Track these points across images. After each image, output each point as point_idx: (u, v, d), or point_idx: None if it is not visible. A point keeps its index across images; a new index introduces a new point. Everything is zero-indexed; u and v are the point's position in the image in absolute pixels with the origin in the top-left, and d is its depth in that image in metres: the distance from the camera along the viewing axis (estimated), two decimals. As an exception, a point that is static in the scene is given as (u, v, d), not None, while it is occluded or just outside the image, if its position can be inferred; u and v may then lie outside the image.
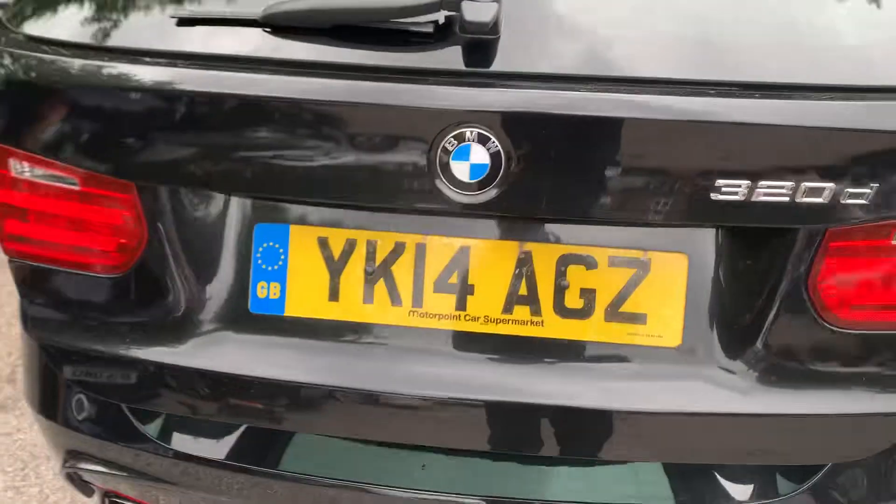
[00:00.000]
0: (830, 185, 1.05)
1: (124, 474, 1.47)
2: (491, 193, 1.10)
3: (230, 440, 1.41)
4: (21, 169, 1.24)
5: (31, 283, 1.34)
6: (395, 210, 1.22)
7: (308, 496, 1.39)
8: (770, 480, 1.35)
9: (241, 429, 1.41)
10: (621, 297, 1.21)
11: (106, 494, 1.60)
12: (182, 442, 1.40)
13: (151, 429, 1.41)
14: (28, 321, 1.38)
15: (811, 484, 1.32)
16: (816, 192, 1.05)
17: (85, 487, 1.62)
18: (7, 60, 1.21)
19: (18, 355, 2.68)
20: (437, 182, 1.10)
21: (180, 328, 1.28)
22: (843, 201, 1.06)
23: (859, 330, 1.18)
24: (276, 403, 1.27)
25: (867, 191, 1.06)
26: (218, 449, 1.39)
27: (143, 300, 1.29)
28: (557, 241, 1.21)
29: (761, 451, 1.26)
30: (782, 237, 1.14)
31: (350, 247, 1.24)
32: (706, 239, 1.20)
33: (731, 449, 1.25)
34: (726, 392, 1.21)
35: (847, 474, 1.34)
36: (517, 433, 1.24)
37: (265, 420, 1.30)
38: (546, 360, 1.23)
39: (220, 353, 1.27)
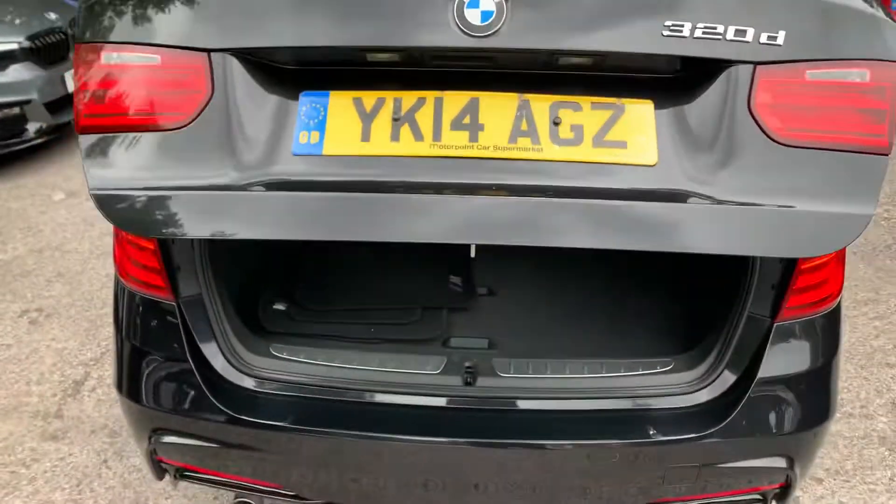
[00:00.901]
0: (750, 28, 1.42)
1: (201, 443, 1.85)
2: (495, 37, 1.42)
3: (289, 410, 1.82)
4: (110, 58, 1.52)
5: (100, 148, 1.54)
6: (417, 69, 1.55)
7: (368, 452, 1.78)
8: (695, 420, 1.80)
9: (299, 401, 1.83)
10: (604, 130, 1.53)
11: (178, 470, 1.98)
12: (249, 411, 1.80)
13: (224, 402, 1.80)
14: (95, 181, 1.53)
15: (729, 420, 1.76)
16: (741, 33, 1.42)
17: (158, 469, 1.99)
18: None
19: (63, 396, 3.05)
20: (455, 26, 1.41)
21: (230, 167, 1.53)
22: (761, 42, 1.42)
23: (796, 145, 1.46)
24: (311, 215, 1.51)
25: (778, 35, 1.42)
26: (280, 416, 1.80)
27: (201, 147, 1.53)
28: (549, 91, 1.55)
29: (727, 240, 1.48)
30: (725, 77, 1.47)
31: (380, 103, 1.55)
32: (666, 85, 1.55)
33: (703, 237, 1.47)
34: (698, 193, 1.49)
35: (756, 411, 1.78)
36: (526, 223, 1.47)
37: (304, 229, 1.52)
38: (547, 172, 1.52)
39: (268, 183, 1.53)
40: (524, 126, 1.53)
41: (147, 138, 1.53)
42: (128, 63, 1.52)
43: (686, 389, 1.84)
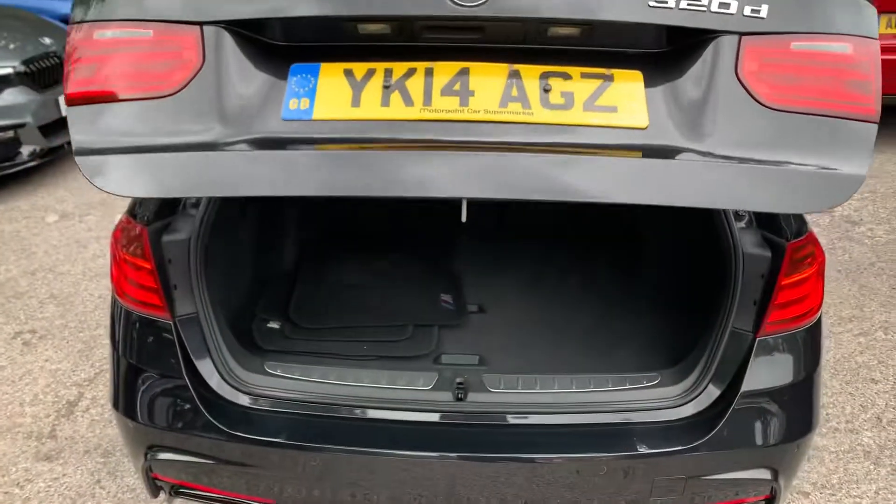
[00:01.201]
0: (734, 1, 1.47)
1: (197, 460, 1.88)
2: (486, 6, 1.43)
3: (283, 426, 1.85)
4: (103, 34, 1.54)
5: (87, 117, 1.54)
6: (408, 44, 1.57)
7: (361, 467, 1.82)
8: (681, 433, 1.84)
9: (293, 417, 1.86)
10: (595, 96, 1.55)
11: (173, 487, 2.00)
12: (244, 428, 1.83)
13: (219, 418, 1.83)
14: (80, 146, 1.52)
15: (714, 433, 1.80)
16: (724, 5, 1.47)
17: (154, 487, 2.02)
18: None
19: (57, 416, 3.06)
20: None
21: (218, 130, 1.53)
22: (745, 14, 1.47)
23: (786, 110, 1.49)
24: (298, 171, 1.50)
25: (761, 8, 1.47)
26: (274, 432, 1.83)
27: (188, 113, 1.53)
28: (539, 63, 1.57)
29: (723, 193, 1.48)
30: (713, 48, 1.51)
31: (370, 73, 1.57)
32: (654, 59, 1.60)
33: (699, 190, 1.48)
34: (691, 149, 1.51)
35: (741, 424, 1.83)
36: (517, 177, 1.47)
37: (290, 185, 1.50)
38: (538, 133, 1.53)
39: (256, 143, 1.53)
40: (514, 92, 1.55)
41: (135, 105, 1.53)
42: (120, 38, 1.54)
43: (672, 403, 1.88)
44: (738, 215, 1.89)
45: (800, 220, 1.92)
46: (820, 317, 1.93)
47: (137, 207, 1.97)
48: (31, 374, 3.36)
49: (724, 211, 1.90)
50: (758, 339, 1.84)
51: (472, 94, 1.54)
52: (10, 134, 5.34)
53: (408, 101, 1.54)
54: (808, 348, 1.89)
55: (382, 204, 3.23)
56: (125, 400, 1.93)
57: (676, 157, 1.50)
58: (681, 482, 1.84)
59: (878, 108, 1.49)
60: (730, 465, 1.85)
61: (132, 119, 1.53)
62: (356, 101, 1.55)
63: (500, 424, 1.88)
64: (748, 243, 1.85)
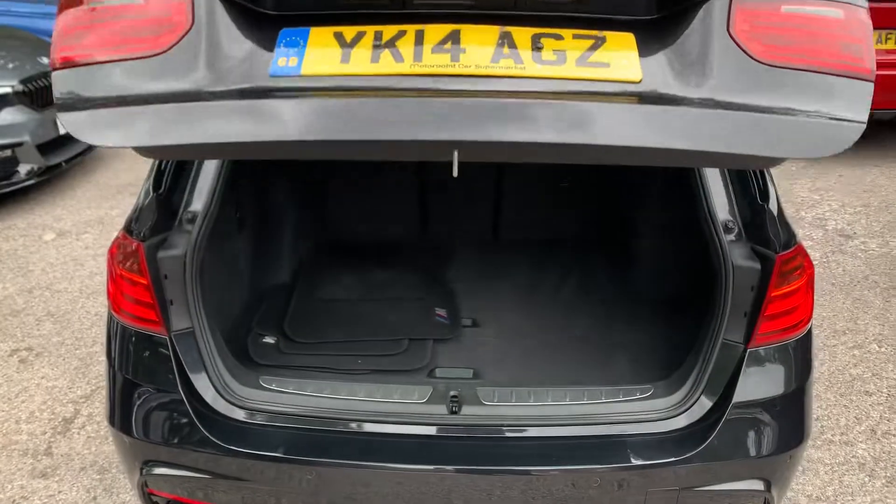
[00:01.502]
0: None
1: (192, 474, 1.89)
2: None
3: (278, 440, 1.86)
4: (97, 3, 1.53)
5: (73, 78, 1.53)
6: (397, 12, 1.58)
7: (356, 480, 1.83)
8: (674, 445, 1.85)
9: (288, 431, 1.87)
10: (587, 54, 1.54)
11: (169, 503, 2.01)
12: (239, 442, 1.84)
13: (214, 433, 1.85)
14: (63, 104, 1.52)
15: (706, 444, 1.82)
16: None
17: (149, 502, 2.02)
18: None
19: (53, 433, 3.06)
20: None
21: (205, 84, 1.52)
22: None
23: (780, 66, 1.48)
24: (286, 117, 1.50)
25: None
26: (269, 446, 1.84)
27: (176, 70, 1.52)
28: (530, 25, 1.57)
29: (716, 138, 1.47)
30: (704, 12, 1.51)
31: (360, 35, 1.56)
32: (645, 24, 1.59)
33: (692, 134, 1.47)
34: (684, 97, 1.50)
35: (733, 435, 1.84)
36: (510, 118, 1.45)
37: (279, 131, 1.49)
38: (531, 84, 1.52)
39: (242, 94, 1.53)
40: (506, 50, 1.54)
41: (122, 65, 1.52)
42: (111, 6, 1.53)
43: (665, 415, 1.90)
44: (727, 227, 1.92)
45: (788, 232, 1.94)
46: (810, 328, 1.95)
47: (134, 223, 1.99)
48: (27, 392, 3.36)
49: (713, 223, 1.92)
50: (749, 350, 1.86)
51: (463, 51, 1.53)
52: (8, 153, 5.37)
53: (398, 58, 1.53)
54: (799, 359, 1.91)
55: (379, 207, 3.25)
56: (121, 415, 1.94)
57: (671, 104, 1.50)
58: (674, 493, 1.85)
59: (873, 67, 1.49)
60: (723, 476, 1.86)
61: (118, 77, 1.52)
62: (345, 59, 1.55)
63: (495, 437, 1.89)
64: (738, 256, 1.88)
